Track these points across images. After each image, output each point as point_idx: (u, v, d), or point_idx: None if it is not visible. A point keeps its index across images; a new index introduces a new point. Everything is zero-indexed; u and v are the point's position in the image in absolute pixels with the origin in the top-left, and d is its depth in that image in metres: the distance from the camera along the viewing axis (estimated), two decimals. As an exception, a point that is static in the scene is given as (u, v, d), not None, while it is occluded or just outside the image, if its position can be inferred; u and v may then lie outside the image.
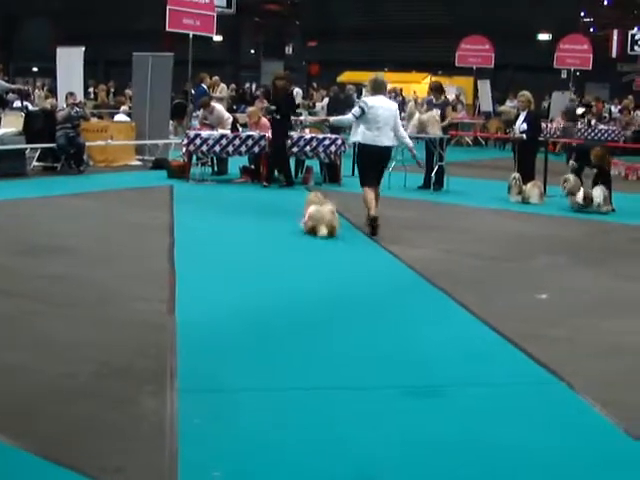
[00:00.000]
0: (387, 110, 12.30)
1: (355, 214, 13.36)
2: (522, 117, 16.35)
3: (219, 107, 19.88)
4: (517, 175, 15.90)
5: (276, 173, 18.20)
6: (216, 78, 26.46)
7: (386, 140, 12.24)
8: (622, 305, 8.58)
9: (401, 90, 38.99)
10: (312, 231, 11.58)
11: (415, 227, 12.96)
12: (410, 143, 13.33)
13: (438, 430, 5.23)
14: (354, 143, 13.06)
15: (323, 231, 11.48)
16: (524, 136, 16.10)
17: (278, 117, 16.87)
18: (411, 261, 10.10)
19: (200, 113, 20.20)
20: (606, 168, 15.38)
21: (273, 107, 16.87)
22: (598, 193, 14.85)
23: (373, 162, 12.31)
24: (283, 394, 5.75)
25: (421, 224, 13.31)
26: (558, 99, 33.00)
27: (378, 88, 12.59)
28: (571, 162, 15.92)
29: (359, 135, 12.28)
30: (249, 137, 17.37)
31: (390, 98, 17.80)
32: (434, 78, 29.19)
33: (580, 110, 31.23)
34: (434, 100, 17.86)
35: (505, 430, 5.29)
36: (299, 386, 5.90)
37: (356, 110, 12.36)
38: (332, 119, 14.50)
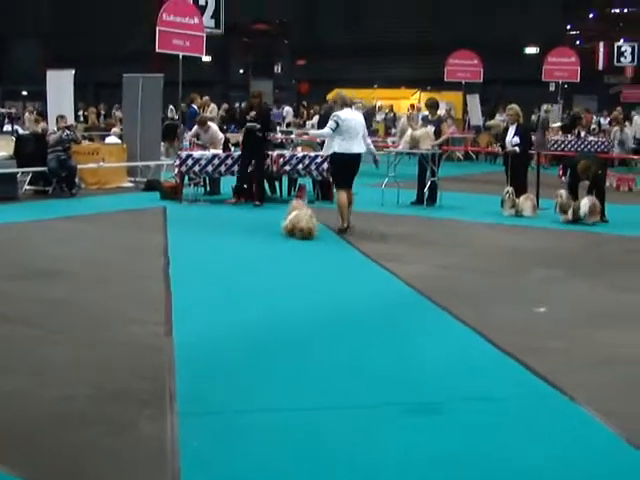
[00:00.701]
0: (357, 121, 13.82)
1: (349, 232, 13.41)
2: (512, 130, 16.37)
3: (215, 127, 19.89)
4: (510, 189, 15.90)
5: (268, 191, 18.24)
6: (206, 98, 26.52)
7: (357, 148, 13.64)
8: (619, 316, 8.55)
9: (391, 107, 39.04)
10: (291, 233, 12.72)
11: (410, 243, 12.93)
12: (374, 150, 14.65)
13: (439, 447, 5.19)
14: (331, 154, 13.89)
15: (299, 234, 12.61)
16: (517, 149, 16.12)
17: (259, 135, 16.84)
18: (407, 277, 10.07)
19: (193, 130, 20.13)
20: (595, 179, 15.31)
21: (258, 125, 16.81)
22: (584, 203, 14.88)
23: (348, 168, 13.66)
24: (282, 415, 5.70)
25: (415, 239, 13.28)
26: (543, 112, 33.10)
27: (345, 103, 13.88)
28: (564, 178, 15.87)
29: (336, 146, 13.53)
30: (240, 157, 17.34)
31: (383, 114, 17.86)
32: (424, 94, 29.22)
33: (557, 124, 31.35)
34: (430, 117, 17.86)
35: (507, 444, 5.26)
36: (298, 407, 5.85)
37: (332, 124, 13.50)
38: (311, 132, 15.03)
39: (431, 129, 17.14)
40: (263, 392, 6.11)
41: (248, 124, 16.56)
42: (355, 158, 13.63)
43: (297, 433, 5.39)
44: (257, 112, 16.95)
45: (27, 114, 28.16)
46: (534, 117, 30.52)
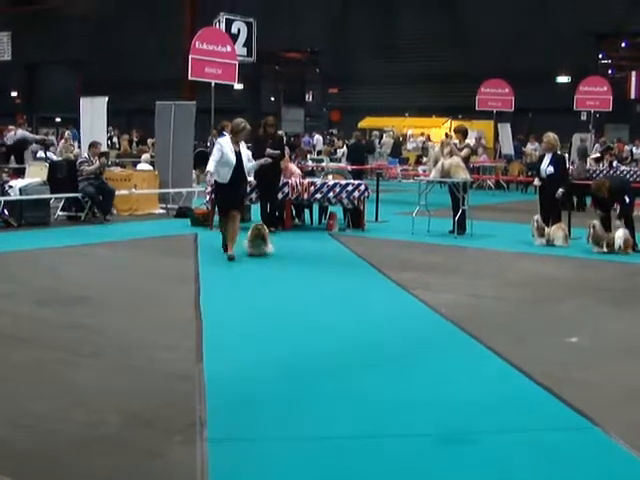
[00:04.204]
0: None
1: (379, 259, 13.39)
2: (547, 160, 16.21)
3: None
4: (537, 217, 15.84)
5: (296, 219, 18.28)
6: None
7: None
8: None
9: (429, 136, 38.99)
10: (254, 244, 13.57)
11: (440, 271, 12.88)
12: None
13: (473, 476, 5.14)
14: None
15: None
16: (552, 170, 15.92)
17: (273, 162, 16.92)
18: (439, 305, 10.01)
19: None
20: (616, 199, 15.14)
21: (277, 152, 16.86)
22: (619, 235, 14.77)
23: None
24: (313, 443, 5.67)
25: (446, 268, 13.22)
26: (577, 141, 33.01)
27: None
28: (598, 211, 15.69)
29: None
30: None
31: (414, 143, 17.67)
32: (455, 122, 29.20)
33: (596, 154, 31.17)
34: (458, 144, 17.81)
35: (539, 476, 5.20)
36: (328, 435, 5.82)
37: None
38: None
39: (460, 157, 17.06)
40: (294, 420, 6.08)
41: (269, 151, 16.53)
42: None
43: (327, 462, 5.35)
44: (274, 140, 17.12)
45: (62, 142, 28.42)
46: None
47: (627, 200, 15.17)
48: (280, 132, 21.01)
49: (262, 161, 14.45)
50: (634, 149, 34.70)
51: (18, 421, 5.93)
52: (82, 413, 6.11)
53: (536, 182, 16.46)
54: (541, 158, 16.77)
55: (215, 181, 13.52)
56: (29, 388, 6.74)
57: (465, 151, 17.46)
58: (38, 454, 5.36)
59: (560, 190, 15.89)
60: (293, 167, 18.60)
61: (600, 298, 11.00)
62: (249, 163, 13.75)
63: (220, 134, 24.24)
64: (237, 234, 13.48)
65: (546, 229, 15.75)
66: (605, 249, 14.76)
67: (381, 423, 6.08)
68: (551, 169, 15.97)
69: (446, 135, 34.96)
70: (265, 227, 13.85)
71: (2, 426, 5.81)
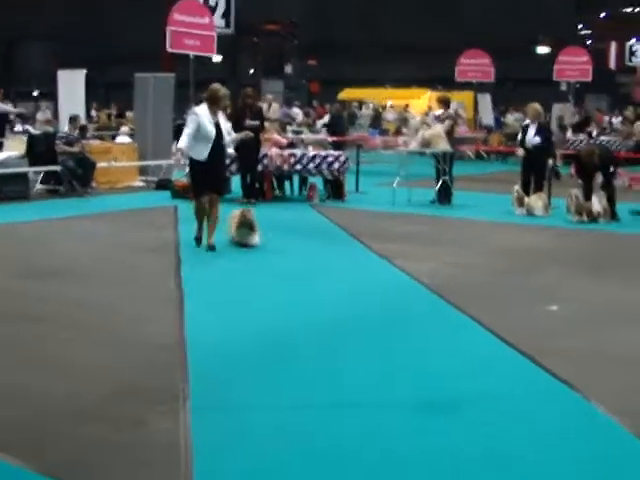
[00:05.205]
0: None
1: (360, 229, 13.41)
2: (533, 129, 16.21)
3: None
4: (517, 187, 15.96)
5: (276, 191, 18.28)
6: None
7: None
8: (631, 315, 8.51)
9: (407, 106, 38.96)
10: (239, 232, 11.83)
11: (421, 241, 12.90)
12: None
13: (452, 443, 5.17)
14: None
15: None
16: (538, 140, 16.00)
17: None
18: (420, 275, 10.04)
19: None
20: (603, 168, 15.20)
21: (256, 122, 16.79)
22: (595, 202, 14.83)
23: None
24: (295, 412, 5.69)
25: (427, 238, 13.24)
26: (558, 111, 33.10)
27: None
28: (578, 181, 15.72)
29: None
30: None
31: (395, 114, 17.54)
32: (435, 93, 29.09)
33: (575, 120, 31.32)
34: (441, 114, 17.81)
35: (520, 441, 5.24)
36: (310, 404, 5.84)
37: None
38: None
39: (442, 128, 17.06)
40: (275, 390, 6.10)
41: (248, 122, 16.45)
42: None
43: (308, 430, 5.37)
44: (254, 112, 17.06)
45: (39, 114, 28.22)
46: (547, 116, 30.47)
47: (611, 169, 15.24)
48: (260, 104, 20.92)
49: (243, 135, 13.09)
50: (613, 119, 34.74)
51: (3, 394, 5.94)
52: (66, 384, 6.12)
53: (520, 152, 16.41)
54: (524, 128, 16.76)
55: (190, 158, 11.82)
56: (12, 361, 6.73)
57: (447, 123, 17.44)
58: (24, 425, 5.37)
59: (550, 161, 16.03)
60: (277, 136, 18.62)
61: (580, 267, 11.06)
62: (228, 136, 12.04)
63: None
64: (218, 221, 11.81)
65: (525, 199, 15.81)
66: (586, 218, 14.81)
67: (362, 392, 6.10)
68: (538, 139, 16.00)
69: (429, 108, 35.01)
70: (252, 213, 11.88)
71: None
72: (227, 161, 14.64)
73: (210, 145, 11.49)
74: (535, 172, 16.07)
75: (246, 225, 11.76)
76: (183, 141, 11.54)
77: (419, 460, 4.95)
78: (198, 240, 11.78)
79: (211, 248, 11.52)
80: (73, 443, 5.12)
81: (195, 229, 11.85)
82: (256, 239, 11.84)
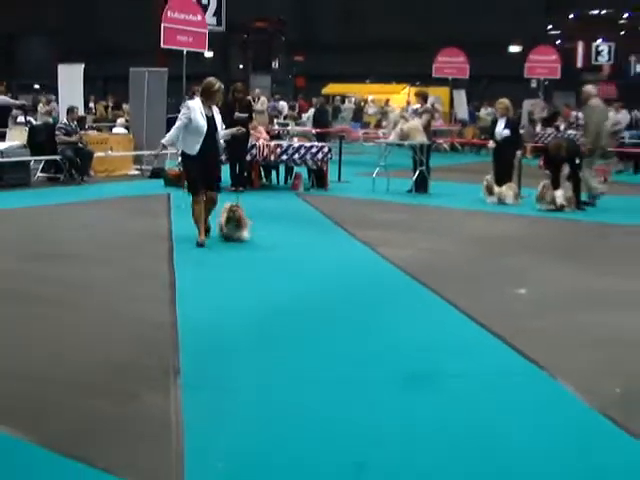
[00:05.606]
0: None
1: (342, 217, 13.41)
2: (502, 123, 16.29)
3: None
4: (488, 177, 16.09)
5: (263, 179, 18.27)
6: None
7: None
8: (595, 299, 8.55)
9: (387, 101, 38.96)
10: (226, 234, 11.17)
11: (399, 228, 12.90)
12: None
13: (433, 418, 5.19)
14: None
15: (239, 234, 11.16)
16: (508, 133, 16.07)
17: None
18: (397, 260, 10.05)
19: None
20: (571, 161, 15.25)
21: (244, 115, 16.81)
22: (559, 194, 14.92)
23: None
24: (283, 389, 5.68)
25: (404, 225, 13.26)
26: (528, 106, 33.19)
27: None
28: (546, 172, 15.79)
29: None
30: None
31: (375, 108, 17.56)
32: (413, 89, 29.07)
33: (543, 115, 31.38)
34: (419, 108, 17.86)
35: (493, 415, 5.27)
36: (297, 381, 5.84)
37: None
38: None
39: (419, 121, 17.10)
40: (264, 368, 6.09)
41: (237, 114, 16.49)
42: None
43: (297, 406, 5.36)
44: (243, 105, 17.07)
45: (40, 105, 28.05)
46: (519, 111, 30.58)
47: (577, 161, 15.28)
48: (249, 97, 20.87)
49: (234, 130, 11.85)
50: (580, 114, 34.75)
51: (3, 369, 5.93)
52: (63, 362, 6.10)
53: (491, 144, 16.51)
54: (494, 122, 16.86)
55: (182, 152, 11.14)
56: (12, 339, 6.71)
57: (425, 117, 17.46)
58: (24, 398, 5.37)
59: (519, 152, 16.14)
60: (260, 128, 18.65)
61: (547, 253, 11.09)
62: (221, 131, 11.28)
63: (191, 99, 24.18)
64: (209, 215, 11.13)
65: (497, 188, 15.85)
66: (550, 206, 14.87)
67: (343, 370, 6.10)
68: (507, 132, 16.07)
69: (408, 103, 35.00)
70: (241, 208, 11.11)
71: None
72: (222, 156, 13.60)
73: (201, 139, 10.72)
74: (504, 163, 16.13)
75: (233, 220, 11.07)
76: (168, 135, 10.98)
77: (403, 432, 4.97)
78: (201, 245, 10.79)
79: (200, 245, 10.72)
80: (72, 414, 5.12)
81: (196, 234, 10.89)
82: (245, 234, 11.15)
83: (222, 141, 11.76)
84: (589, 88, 16.57)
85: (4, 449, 4.64)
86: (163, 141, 11.01)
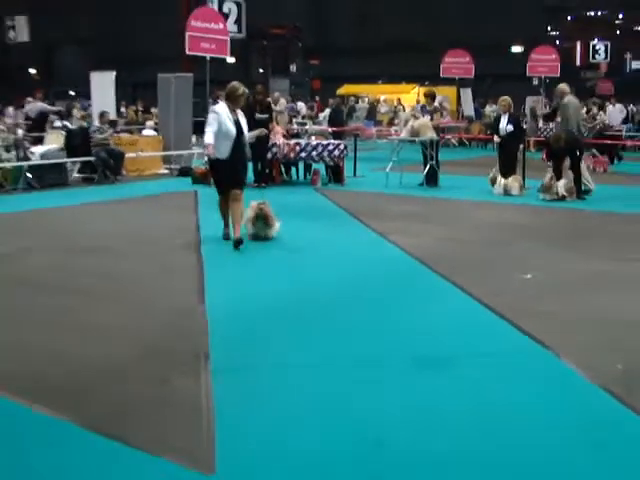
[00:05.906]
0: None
1: (358, 209, 13.38)
2: (505, 119, 16.21)
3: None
4: (494, 169, 16.08)
5: (284, 176, 18.25)
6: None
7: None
8: (598, 282, 8.49)
9: (399, 100, 38.88)
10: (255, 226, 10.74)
11: (412, 219, 12.86)
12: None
13: (445, 395, 5.17)
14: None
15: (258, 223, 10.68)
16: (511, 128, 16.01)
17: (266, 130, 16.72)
18: (411, 249, 10.02)
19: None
20: (571, 152, 15.14)
21: (265, 115, 16.82)
22: (561, 185, 14.82)
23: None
24: (307, 370, 5.68)
25: (417, 216, 13.21)
26: (531, 103, 33.02)
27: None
28: (548, 164, 15.72)
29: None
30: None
31: (387, 107, 17.49)
32: (422, 88, 28.95)
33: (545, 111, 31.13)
34: (427, 107, 17.80)
35: (501, 393, 5.24)
36: (319, 363, 5.83)
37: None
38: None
39: (428, 118, 17.07)
40: (289, 350, 6.10)
41: (258, 115, 16.51)
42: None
43: (318, 386, 5.36)
44: (263, 106, 17.06)
45: (75, 110, 28.13)
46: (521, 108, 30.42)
47: (577, 153, 15.19)
48: (268, 99, 20.83)
49: (257, 132, 11.30)
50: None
51: (45, 356, 5.95)
52: (101, 347, 6.12)
53: (496, 139, 16.46)
54: (497, 119, 16.78)
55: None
56: (51, 327, 6.73)
57: (435, 117, 17.48)
58: (61, 383, 5.39)
59: (521, 146, 16.07)
60: (278, 128, 18.60)
61: (551, 240, 11.02)
62: (246, 134, 10.69)
63: (215, 102, 24.18)
64: (242, 215, 10.48)
65: (501, 179, 15.80)
66: (553, 196, 14.80)
67: (362, 352, 6.09)
68: (510, 127, 16.03)
69: (417, 102, 34.86)
70: (268, 205, 10.71)
71: (36, 363, 5.82)
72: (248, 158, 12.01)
73: (231, 144, 10.30)
74: (508, 156, 16.05)
75: (260, 218, 10.62)
76: (209, 137, 10.24)
77: (418, 409, 4.95)
78: (227, 236, 10.65)
79: (238, 242, 10.07)
80: (109, 398, 5.13)
81: (223, 228, 10.81)
82: (272, 233, 10.72)
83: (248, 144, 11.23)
84: (563, 86, 16.55)
85: (46, 430, 4.65)
86: (209, 141, 10.23)
